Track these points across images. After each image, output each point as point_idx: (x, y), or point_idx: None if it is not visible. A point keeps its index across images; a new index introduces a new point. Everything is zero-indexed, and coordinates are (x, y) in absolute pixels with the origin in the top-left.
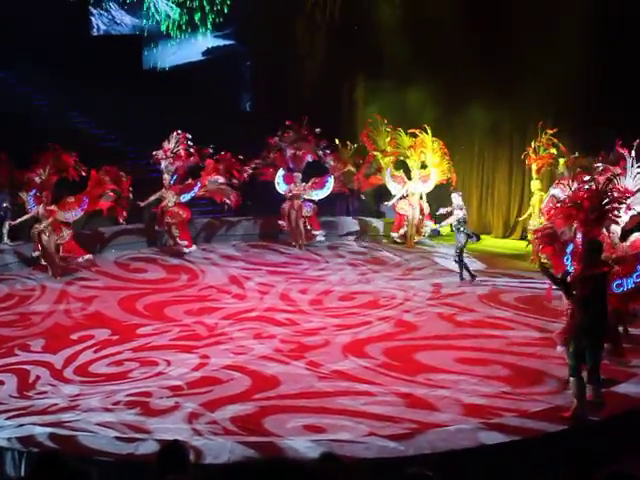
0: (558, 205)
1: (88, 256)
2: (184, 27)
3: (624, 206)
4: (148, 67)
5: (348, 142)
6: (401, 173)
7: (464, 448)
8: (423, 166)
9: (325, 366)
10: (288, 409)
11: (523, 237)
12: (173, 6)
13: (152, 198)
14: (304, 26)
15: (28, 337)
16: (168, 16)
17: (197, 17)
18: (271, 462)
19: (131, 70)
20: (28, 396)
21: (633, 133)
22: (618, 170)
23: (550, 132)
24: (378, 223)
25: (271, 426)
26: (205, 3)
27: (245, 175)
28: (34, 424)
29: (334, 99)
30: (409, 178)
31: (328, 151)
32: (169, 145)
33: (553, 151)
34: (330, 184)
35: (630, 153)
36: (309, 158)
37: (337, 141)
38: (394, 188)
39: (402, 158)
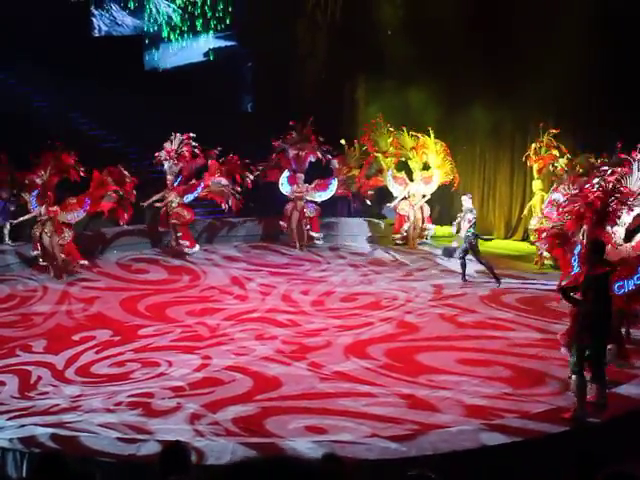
0: (566, 205)
1: (83, 262)
2: (185, 31)
3: (626, 207)
4: (149, 68)
5: (355, 142)
6: (403, 174)
7: (466, 449)
8: (425, 167)
9: (327, 367)
10: (290, 410)
11: (525, 238)
12: (174, 7)
13: (154, 198)
14: (305, 27)
15: (30, 338)
16: (170, 18)
17: (199, 23)
18: (273, 461)
19: (132, 71)
20: (30, 397)
21: (635, 133)
22: (625, 170)
23: (553, 132)
24: (380, 224)
25: (273, 427)
26: (207, 9)
27: (248, 181)
28: (36, 425)
29: (335, 99)
30: (411, 179)
31: (331, 156)
32: (172, 146)
33: (555, 152)
34: (333, 186)
35: (634, 154)
36: (312, 158)
37: (343, 141)
38: (396, 189)
39: (404, 159)
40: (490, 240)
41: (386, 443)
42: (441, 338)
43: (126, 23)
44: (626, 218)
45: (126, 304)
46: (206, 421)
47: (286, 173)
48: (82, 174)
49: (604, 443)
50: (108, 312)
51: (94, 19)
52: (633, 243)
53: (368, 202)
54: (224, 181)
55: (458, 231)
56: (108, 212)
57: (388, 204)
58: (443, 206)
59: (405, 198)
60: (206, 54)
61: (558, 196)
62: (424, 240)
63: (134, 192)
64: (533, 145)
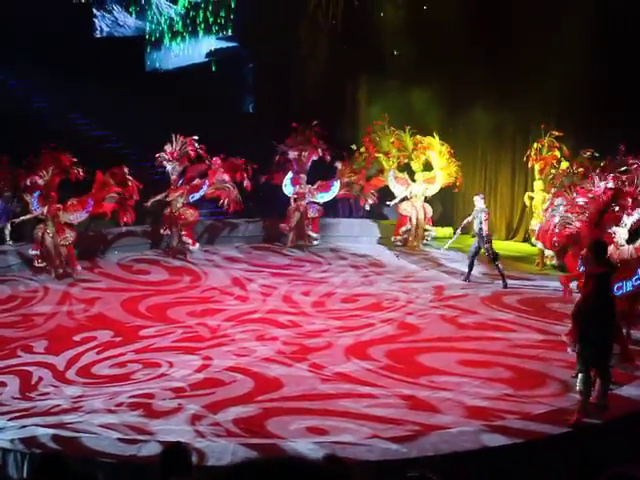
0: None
1: (77, 268)
2: (187, 32)
3: (627, 209)
4: (150, 69)
5: (364, 150)
6: (405, 175)
7: (467, 450)
8: (427, 168)
9: (328, 368)
10: (291, 411)
11: (526, 239)
12: (176, 11)
13: (157, 198)
14: (307, 27)
15: (31, 338)
16: (171, 19)
17: (200, 28)
18: (275, 462)
19: (133, 72)
20: (30, 397)
21: (637, 133)
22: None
23: (555, 134)
24: (381, 225)
25: (274, 428)
26: (209, 14)
27: (247, 183)
28: (36, 425)
29: (337, 100)
30: (413, 180)
31: (330, 157)
32: (173, 147)
33: (557, 154)
34: (336, 188)
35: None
36: (314, 157)
37: (354, 147)
38: (397, 190)
39: (406, 161)
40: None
41: (387, 444)
42: (442, 339)
43: (128, 24)
44: (627, 219)
45: (127, 305)
46: (207, 422)
47: (289, 175)
48: (82, 174)
49: (605, 444)
50: (109, 313)
51: (96, 20)
52: (636, 244)
53: (367, 207)
54: (227, 177)
55: (464, 231)
56: (111, 213)
57: (388, 202)
58: (444, 207)
59: (407, 198)
60: (207, 55)
61: (560, 200)
62: (425, 241)
63: (136, 194)
64: (535, 145)
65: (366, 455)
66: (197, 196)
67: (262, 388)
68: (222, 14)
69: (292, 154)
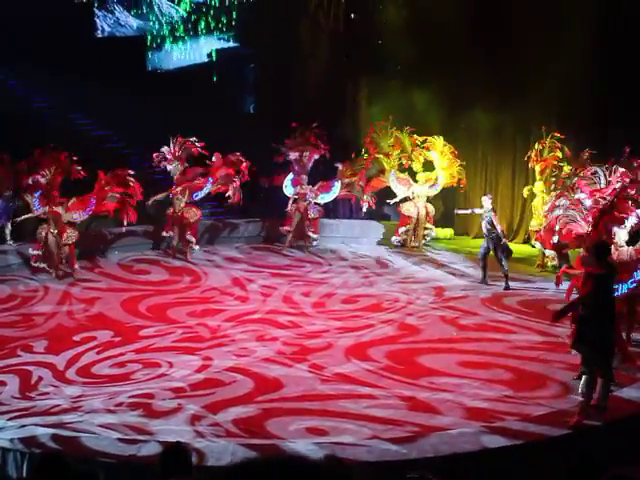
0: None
1: (76, 267)
2: (188, 32)
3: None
4: (152, 69)
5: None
6: (406, 175)
7: (466, 452)
8: (430, 168)
9: (328, 369)
10: (290, 412)
11: (526, 241)
12: (178, 9)
13: (158, 197)
14: (308, 27)
15: (31, 338)
16: (173, 19)
17: (203, 29)
18: (275, 462)
19: (135, 72)
20: (30, 397)
21: (638, 133)
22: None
23: (557, 136)
24: (382, 226)
25: (273, 428)
26: (210, 19)
27: (245, 174)
28: (36, 425)
29: (338, 100)
30: (414, 180)
31: (339, 164)
32: (173, 148)
33: (559, 154)
34: (336, 188)
35: None
36: (316, 156)
37: (363, 151)
38: (399, 190)
39: (407, 162)
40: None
41: (387, 445)
42: (442, 340)
43: (129, 24)
44: (627, 221)
45: (127, 305)
46: (207, 422)
47: (290, 176)
48: (83, 174)
49: (605, 446)
50: (109, 313)
51: (97, 20)
52: (637, 246)
53: (364, 209)
54: (230, 172)
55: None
56: (113, 212)
57: (389, 200)
58: (445, 207)
59: (409, 199)
60: (209, 55)
61: (564, 201)
62: (424, 240)
63: (138, 194)
64: (536, 146)
65: (366, 456)
66: (202, 194)
67: (262, 388)
68: (224, 19)
69: (293, 155)
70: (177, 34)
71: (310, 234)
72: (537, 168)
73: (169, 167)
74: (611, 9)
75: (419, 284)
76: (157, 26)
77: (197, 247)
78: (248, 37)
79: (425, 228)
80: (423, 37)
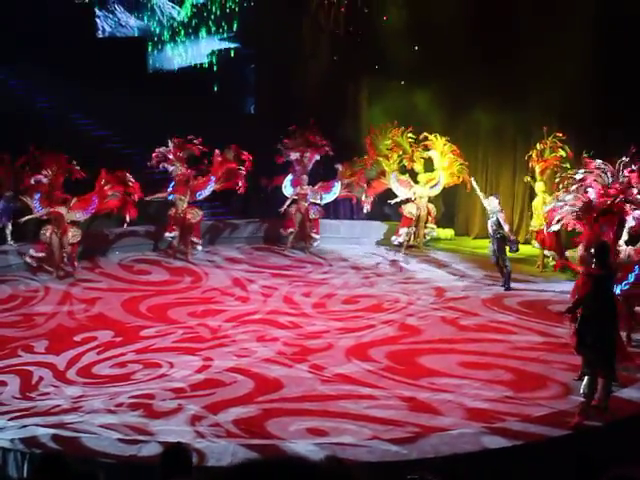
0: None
1: (76, 266)
2: (189, 33)
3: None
4: (153, 69)
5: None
6: (407, 177)
7: (467, 452)
8: (431, 168)
9: (328, 369)
10: (291, 412)
11: (526, 241)
12: (179, 9)
13: (157, 195)
14: (308, 28)
15: (31, 338)
16: (173, 19)
17: (203, 29)
18: (275, 463)
19: (136, 72)
20: (31, 397)
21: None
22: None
23: (559, 136)
24: (383, 226)
25: (274, 429)
26: (211, 23)
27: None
28: (37, 425)
29: (339, 101)
30: (415, 182)
31: (339, 165)
32: (173, 149)
33: (562, 153)
34: (337, 189)
35: None
36: (317, 157)
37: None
38: (401, 192)
39: (409, 163)
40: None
41: (387, 446)
42: (443, 341)
43: (130, 24)
44: (627, 221)
45: (128, 305)
46: (207, 422)
47: (289, 176)
48: (82, 175)
49: (605, 447)
50: (110, 313)
51: (98, 20)
52: (637, 247)
53: (365, 211)
54: (232, 166)
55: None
56: (117, 209)
57: (389, 201)
58: (445, 208)
59: (410, 200)
60: (209, 56)
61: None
62: (425, 239)
63: (138, 192)
64: (537, 146)
65: (366, 456)
66: (205, 193)
67: (262, 389)
68: (224, 16)
69: (294, 155)
70: (178, 35)
71: (312, 235)
72: (537, 168)
73: (170, 168)
74: (611, 9)
75: (420, 285)
76: (158, 26)
77: (200, 247)
78: (249, 38)
79: (426, 227)
80: (424, 38)
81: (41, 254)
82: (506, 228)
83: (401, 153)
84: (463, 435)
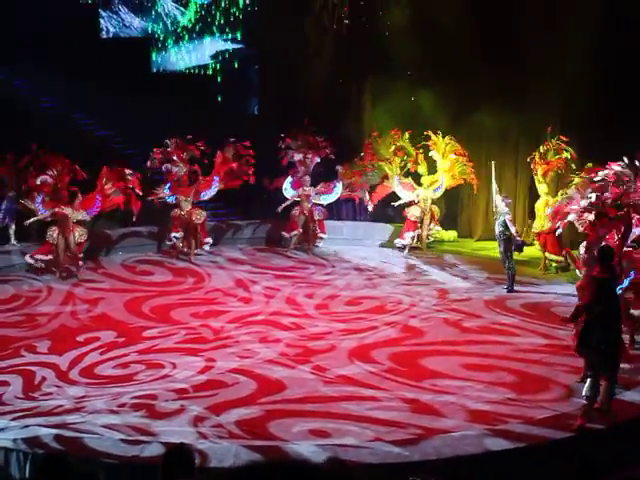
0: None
1: (80, 264)
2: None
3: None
4: (156, 70)
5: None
6: (410, 180)
7: (469, 454)
8: (434, 170)
9: (331, 371)
10: (293, 413)
11: (529, 243)
12: (182, 10)
13: (160, 196)
14: (312, 28)
15: (34, 338)
16: (177, 19)
17: (207, 30)
18: (277, 465)
19: (139, 72)
20: (33, 397)
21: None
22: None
23: (563, 139)
24: (385, 228)
25: (276, 430)
26: (215, 24)
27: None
28: (39, 425)
29: (342, 101)
30: (419, 184)
31: (339, 166)
32: (174, 150)
33: (567, 155)
34: (338, 189)
35: None
36: (317, 159)
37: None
38: (404, 195)
39: (414, 166)
40: (520, 252)
41: (389, 447)
42: (445, 343)
43: (134, 25)
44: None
45: (130, 305)
46: (209, 423)
47: (289, 178)
48: (84, 175)
49: (608, 449)
50: (112, 313)
51: (102, 20)
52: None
53: (370, 208)
54: (234, 165)
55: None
56: (123, 205)
57: (393, 203)
58: (448, 209)
59: (414, 203)
60: (213, 56)
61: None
62: (428, 240)
63: (138, 186)
64: (540, 148)
65: (369, 458)
66: (211, 193)
67: (265, 390)
68: (228, 16)
69: (297, 156)
70: (181, 37)
71: (319, 234)
72: (539, 170)
73: (175, 169)
74: (613, 10)
75: (422, 286)
76: (162, 27)
77: (208, 247)
78: (252, 39)
79: (430, 229)
80: (427, 39)
81: (48, 256)
82: (513, 230)
83: (405, 157)
84: (465, 437)
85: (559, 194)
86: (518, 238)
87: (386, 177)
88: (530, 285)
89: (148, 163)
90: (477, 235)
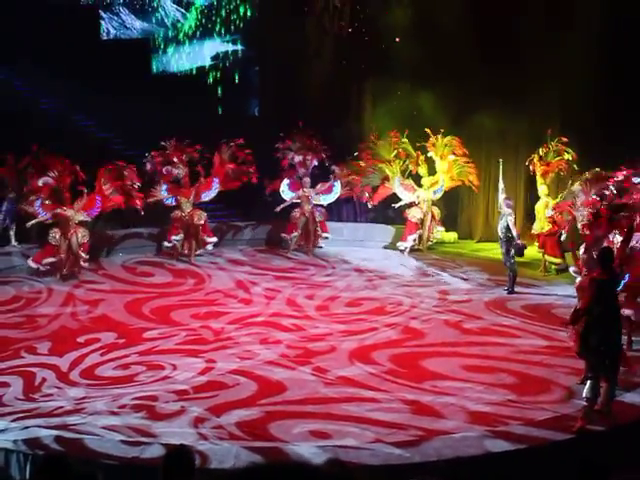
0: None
1: (83, 264)
2: (193, 35)
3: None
4: (157, 71)
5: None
6: (410, 181)
7: (470, 456)
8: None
9: (331, 372)
10: (294, 415)
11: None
12: (183, 11)
13: (158, 197)
14: (312, 29)
15: (34, 339)
16: (178, 21)
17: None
18: (277, 467)
19: (140, 74)
20: (34, 398)
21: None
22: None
23: (564, 140)
24: (386, 229)
25: (277, 431)
26: (216, 26)
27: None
28: (39, 427)
29: (342, 102)
30: (419, 185)
31: (327, 160)
32: (173, 152)
33: (568, 157)
34: (337, 188)
35: None
36: (315, 162)
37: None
38: (405, 196)
39: (414, 167)
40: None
41: (390, 449)
42: (446, 344)
43: (135, 27)
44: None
45: (131, 307)
46: (210, 425)
47: (286, 180)
48: (82, 177)
49: (608, 451)
50: (113, 314)
51: (103, 22)
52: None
53: (370, 205)
54: (232, 166)
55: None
56: (124, 203)
57: (394, 204)
58: (448, 211)
59: (414, 204)
60: (213, 58)
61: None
62: (430, 243)
63: (136, 178)
64: (540, 150)
65: (369, 459)
66: (211, 194)
67: (265, 391)
68: (226, 16)
69: (297, 158)
70: (182, 38)
71: (322, 235)
72: (538, 172)
73: (175, 171)
74: (612, 9)
75: (423, 287)
76: (163, 29)
77: (211, 246)
78: (252, 40)
79: (433, 231)
80: (428, 40)
81: (52, 259)
82: (514, 232)
83: (407, 158)
84: (466, 438)
85: (559, 196)
86: (519, 242)
87: (387, 179)
88: (531, 287)
89: (148, 166)
90: (477, 236)
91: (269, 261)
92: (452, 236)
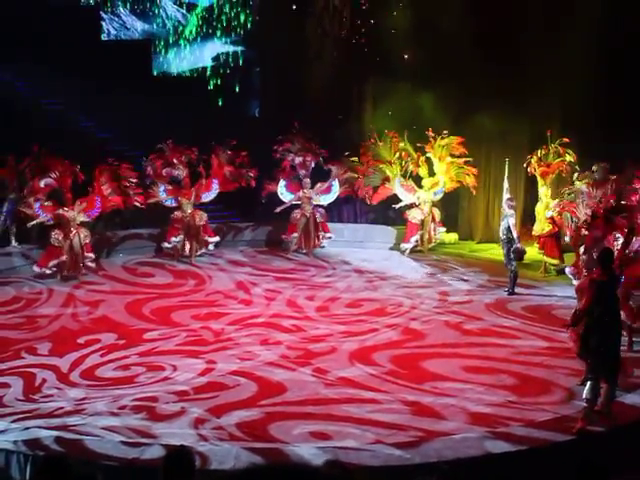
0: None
1: (92, 265)
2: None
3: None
4: (158, 72)
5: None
6: (410, 182)
7: (470, 457)
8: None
9: (331, 373)
10: (294, 416)
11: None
12: (184, 12)
13: (161, 198)
14: (313, 30)
15: (35, 340)
16: (179, 22)
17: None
18: (277, 469)
19: (141, 74)
20: (34, 399)
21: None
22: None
23: (565, 141)
24: (386, 230)
25: (277, 432)
26: (217, 27)
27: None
28: (40, 427)
29: (343, 103)
30: (419, 186)
31: (324, 161)
32: (172, 154)
33: (569, 158)
34: (336, 187)
35: None
36: (313, 164)
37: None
38: (405, 197)
39: (415, 168)
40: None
41: (390, 450)
42: (446, 345)
43: (135, 27)
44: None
45: (131, 307)
46: (210, 425)
47: (282, 182)
48: (82, 177)
49: (609, 452)
50: (113, 315)
51: (103, 23)
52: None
53: (368, 201)
54: (230, 168)
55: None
56: (123, 203)
57: (394, 205)
58: (448, 212)
59: (414, 205)
60: (214, 59)
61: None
62: (431, 245)
63: (132, 174)
64: (539, 152)
65: (369, 460)
66: (212, 195)
67: (265, 392)
68: (227, 19)
69: (297, 159)
70: (183, 39)
71: (324, 235)
72: (537, 173)
73: (175, 172)
74: (612, 10)
75: (423, 289)
76: (163, 30)
77: (212, 247)
78: (253, 41)
79: (435, 232)
80: (429, 41)
81: (56, 261)
82: (514, 235)
83: (408, 159)
84: (466, 440)
85: (562, 192)
86: (518, 245)
87: (387, 179)
88: (531, 288)
89: (149, 169)
90: (478, 237)
91: (269, 262)
92: (453, 237)
